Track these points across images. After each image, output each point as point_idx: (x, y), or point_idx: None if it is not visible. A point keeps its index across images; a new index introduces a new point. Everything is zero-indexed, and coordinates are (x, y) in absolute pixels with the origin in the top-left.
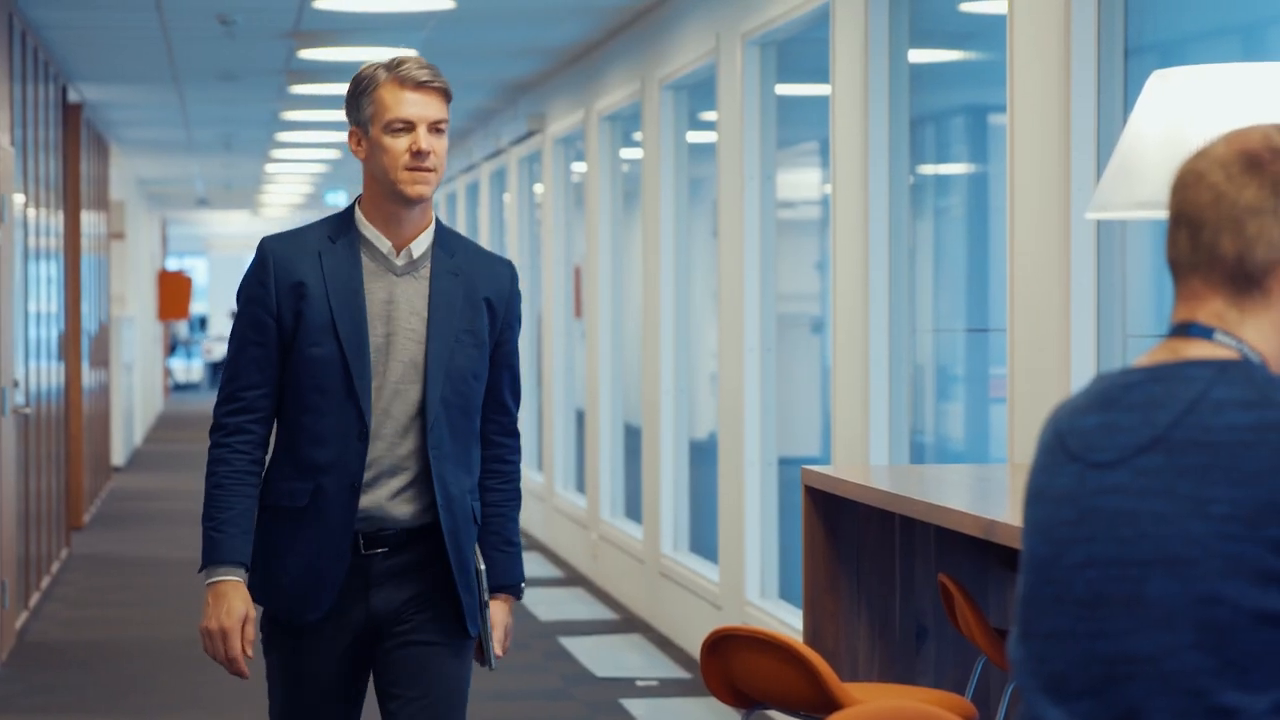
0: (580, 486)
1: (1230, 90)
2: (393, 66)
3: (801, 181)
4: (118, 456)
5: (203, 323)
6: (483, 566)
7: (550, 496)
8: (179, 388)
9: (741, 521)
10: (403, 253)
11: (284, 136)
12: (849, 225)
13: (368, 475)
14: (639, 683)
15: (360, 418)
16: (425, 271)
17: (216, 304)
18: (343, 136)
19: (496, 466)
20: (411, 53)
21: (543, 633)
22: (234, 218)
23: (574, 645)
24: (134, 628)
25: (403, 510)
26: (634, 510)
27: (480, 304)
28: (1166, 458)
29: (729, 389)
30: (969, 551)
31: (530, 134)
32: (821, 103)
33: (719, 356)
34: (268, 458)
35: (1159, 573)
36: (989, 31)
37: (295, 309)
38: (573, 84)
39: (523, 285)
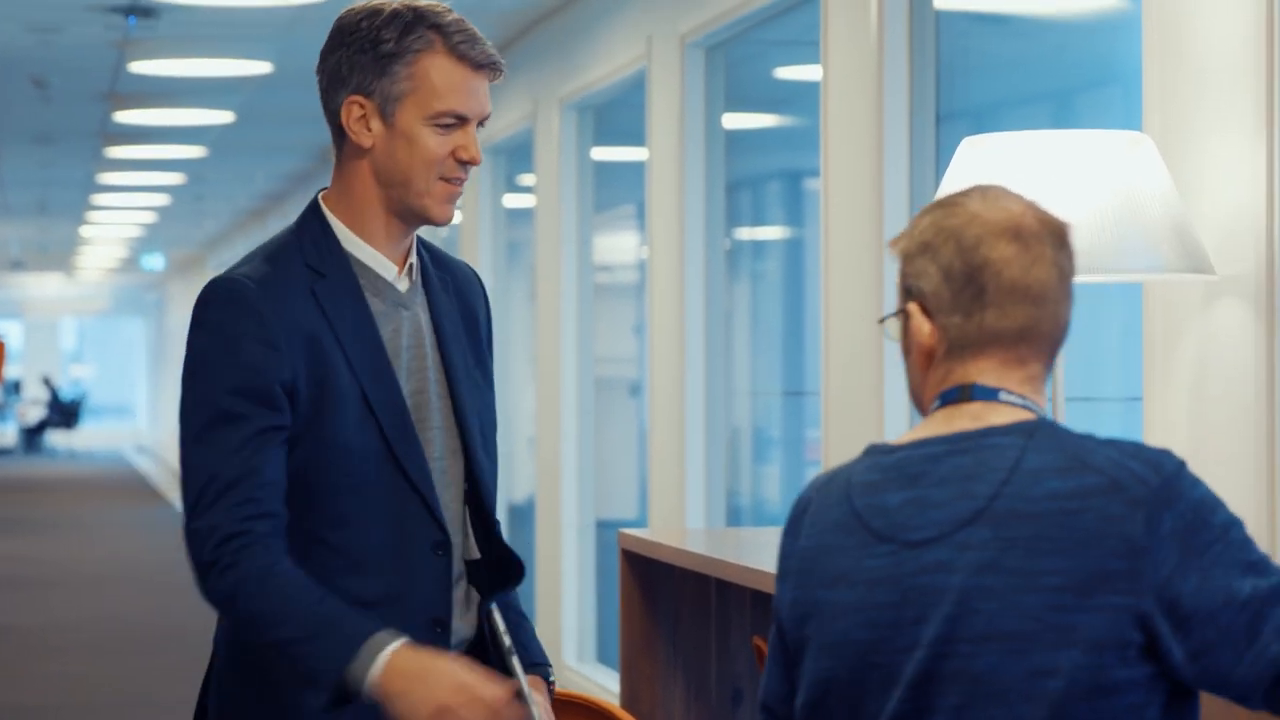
0: None
1: (1039, 156)
2: (441, 26)
3: (619, 245)
4: None
5: (16, 387)
6: (508, 642)
7: None
8: None
9: (559, 584)
10: (403, 274)
11: (100, 199)
12: (666, 288)
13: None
14: None
15: (433, 522)
16: (421, 291)
17: (31, 368)
18: (159, 200)
19: None
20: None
21: None
22: (49, 280)
23: None
24: None
25: (465, 623)
26: None
27: (474, 320)
28: (991, 532)
29: (547, 452)
30: None
31: None
32: (638, 167)
33: (537, 419)
34: None
35: (992, 648)
36: (803, 97)
37: (317, 378)
38: None
39: None
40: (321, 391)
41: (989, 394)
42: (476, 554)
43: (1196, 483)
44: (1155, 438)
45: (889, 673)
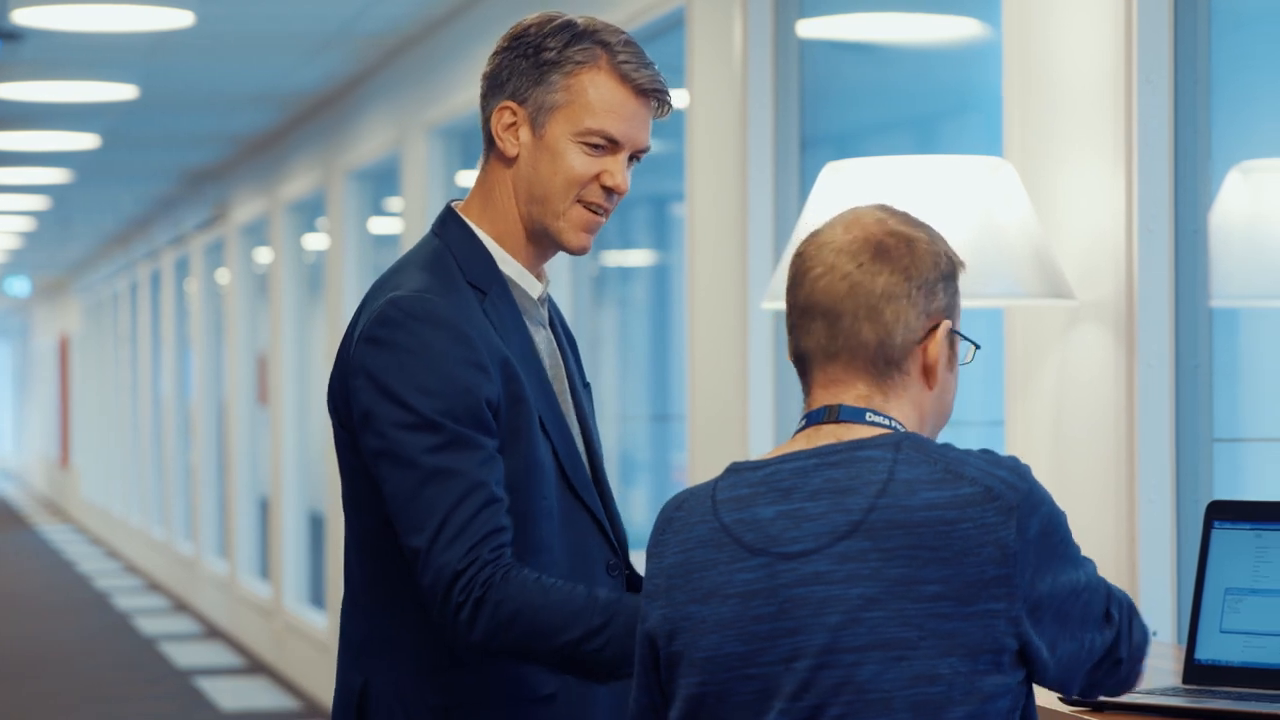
0: (264, 574)
1: (900, 181)
2: (610, 43)
3: None
4: None
5: None
6: None
7: (233, 585)
8: None
9: None
10: (542, 295)
11: None
12: None
13: None
14: None
15: (606, 542)
16: (546, 308)
17: None
18: (25, 224)
19: None
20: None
21: None
22: None
23: None
24: None
25: None
26: (318, 598)
27: (573, 341)
28: (870, 542)
29: None
30: None
31: (214, 221)
32: None
33: None
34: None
35: (875, 656)
36: (669, 122)
37: (512, 396)
38: (257, 172)
39: (206, 373)
40: (516, 412)
41: (856, 414)
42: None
43: (1040, 484)
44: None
45: (766, 685)
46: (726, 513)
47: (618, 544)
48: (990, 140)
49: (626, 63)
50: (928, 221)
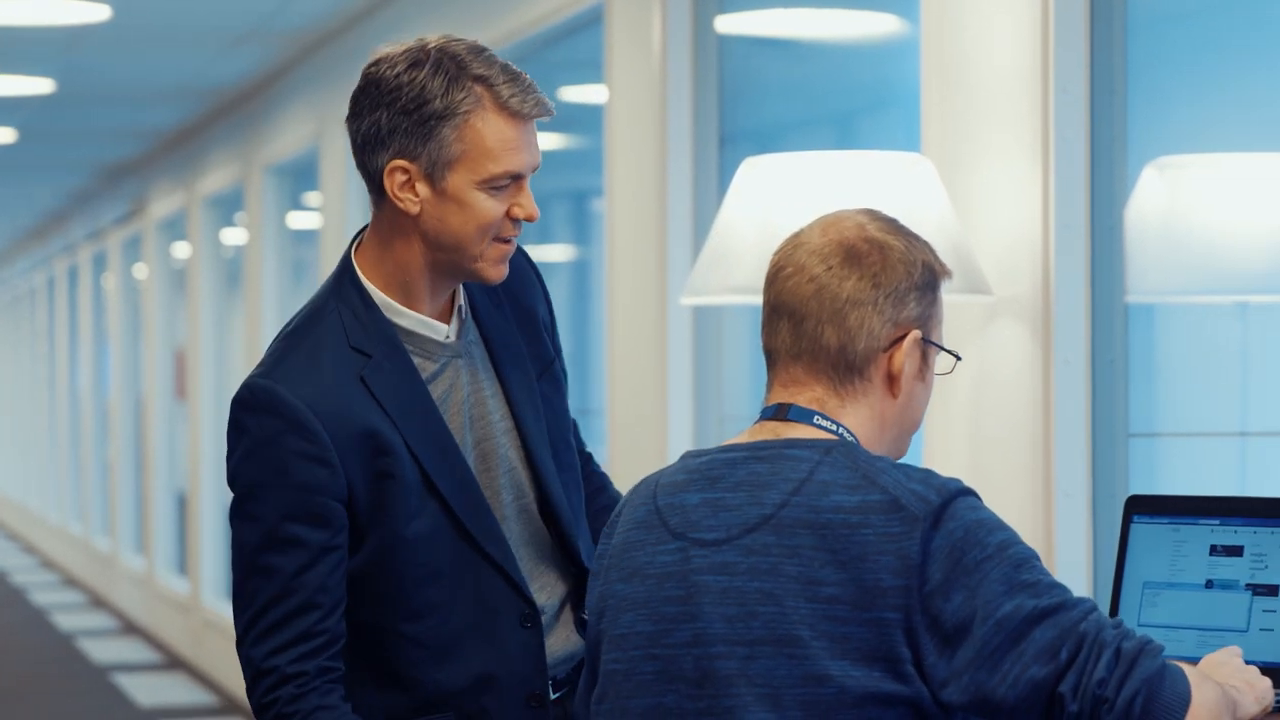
0: (182, 570)
1: (818, 176)
2: (488, 79)
3: None
4: None
5: None
6: None
7: (151, 581)
8: None
9: None
10: (452, 323)
11: None
12: None
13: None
14: None
15: (517, 595)
16: (472, 327)
17: None
18: None
19: (599, 498)
20: (470, 40)
21: (142, 719)
22: None
23: None
24: None
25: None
26: None
27: (531, 318)
28: (775, 538)
29: None
30: None
31: (132, 215)
32: None
33: None
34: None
35: (767, 651)
36: (588, 118)
37: (376, 473)
38: (175, 166)
39: (124, 369)
40: (381, 488)
41: (805, 415)
42: (564, 588)
43: (978, 508)
44: (934, 456)
45: (666, 666)
46: (662, 496)
47: (530, 595)
48: (909, 137)
49: (513, 96)
50: (915, 230)
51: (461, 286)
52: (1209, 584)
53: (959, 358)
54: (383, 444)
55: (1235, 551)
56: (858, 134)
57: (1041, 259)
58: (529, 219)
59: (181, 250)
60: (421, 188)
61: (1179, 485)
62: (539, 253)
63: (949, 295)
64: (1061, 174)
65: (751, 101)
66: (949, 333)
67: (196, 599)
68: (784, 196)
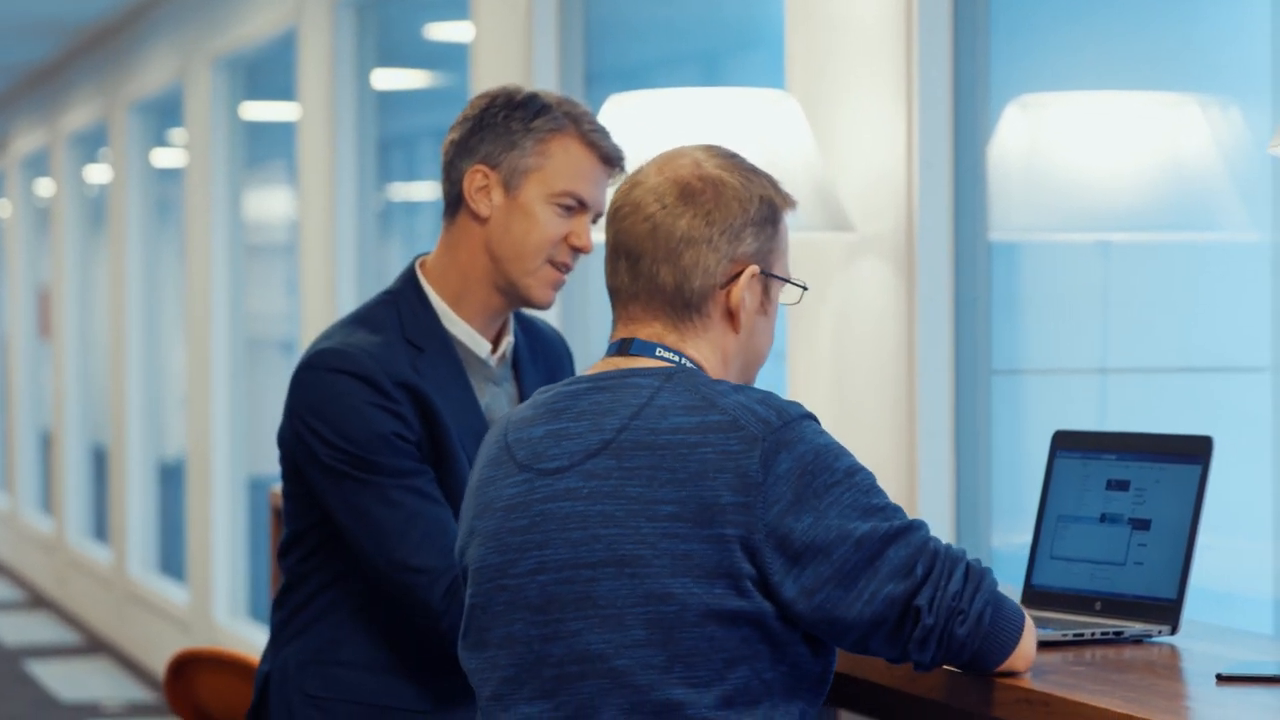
0: (47, 508)
1: (682, 114)
2: (575, 116)
3: (271, 204)
4: None
5: None
6: None
7: (15, 519)
8: None
9: (209, 542)
10: (498, 352)
11: None
12: (318, 248)
13: None
14: (105, 706)
15: None
16: (510, 368)
17: None
18: None
19: None
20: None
21: (7, 658)
22: None
23: (40, 670)
24: None
25: None
26: (102, 532)
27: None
28: (616, 461)
29: (197, 410)
30: None
31: None
32: (290, 125)
33: (187, 378)
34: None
35: (610, 573)
36: (454, 56)
37: (430, 433)
38: (37, 103)
39: None
40: (435, 446)
41: (647, 349)
42: None
43: (821, 432)
44: (798, 393)
45: (514, 596)
46: (512, 432)
47: None
48: (775, 76)
49: (594, 132)
50: (757, 164)
51: (513, 335)
52: (1102, 518)
53: (805, 288)
54: (434, 413)
55: (1123, 486)
56: (724, 72)
57: (905, 196)
58: (583, 250)
59: (45, 188)
60: (496, 194)
61: (1041, 422)
62: (407, 190)
63: (812, 233)
64: (925, 112)
65: (618, 39)
66: (812, 270)
67: (61, 538)
68: (649, 134)
